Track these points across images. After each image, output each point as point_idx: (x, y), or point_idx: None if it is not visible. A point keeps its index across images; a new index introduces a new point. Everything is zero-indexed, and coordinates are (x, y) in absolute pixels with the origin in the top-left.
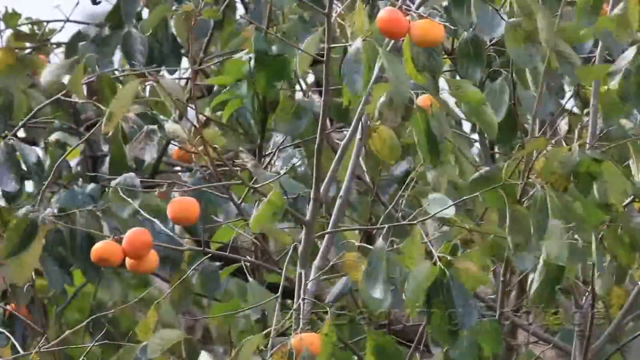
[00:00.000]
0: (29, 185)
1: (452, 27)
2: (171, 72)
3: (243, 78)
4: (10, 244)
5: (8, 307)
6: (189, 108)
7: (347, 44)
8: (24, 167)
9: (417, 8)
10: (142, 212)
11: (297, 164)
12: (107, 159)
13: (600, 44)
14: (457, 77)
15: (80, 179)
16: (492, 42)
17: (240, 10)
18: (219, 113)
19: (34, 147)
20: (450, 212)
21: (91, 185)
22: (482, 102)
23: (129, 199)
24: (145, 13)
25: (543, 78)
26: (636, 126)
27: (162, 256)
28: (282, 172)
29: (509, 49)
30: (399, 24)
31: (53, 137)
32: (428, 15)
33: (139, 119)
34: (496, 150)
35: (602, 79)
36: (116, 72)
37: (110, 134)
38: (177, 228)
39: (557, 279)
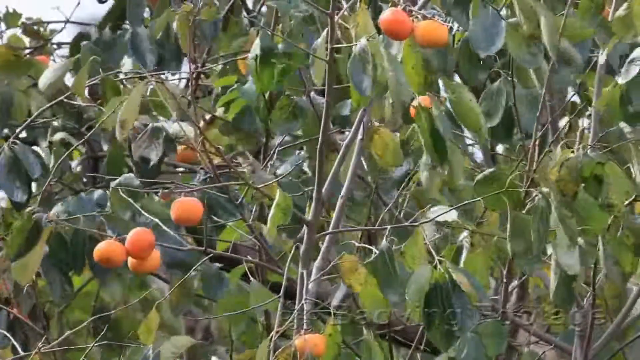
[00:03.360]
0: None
1: (452, 28)
2: (172, 74)
3: (249, 76)
4: (15, 245)
5: (8, 309)
6: (188, 110)
7: (351, 45)
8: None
9: (420, 9)
10: (144, 213)
11: (299, 166)
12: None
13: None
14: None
15: (84, 180)
16: None
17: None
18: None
19: (37, 150)
20: (452, 215)
21: (98, 192)
22: (476, 110)
23: (130, 200)
24: (146, 13)
25: (548, 77)
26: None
27: (172, 262)
28: (282, 175)
29: (511, 49)
30: (403, 25)
31: (57, 137)
32: (432, 17)
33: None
34: (497, 151)
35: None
36: (120, 75)
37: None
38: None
39: (571, 279)
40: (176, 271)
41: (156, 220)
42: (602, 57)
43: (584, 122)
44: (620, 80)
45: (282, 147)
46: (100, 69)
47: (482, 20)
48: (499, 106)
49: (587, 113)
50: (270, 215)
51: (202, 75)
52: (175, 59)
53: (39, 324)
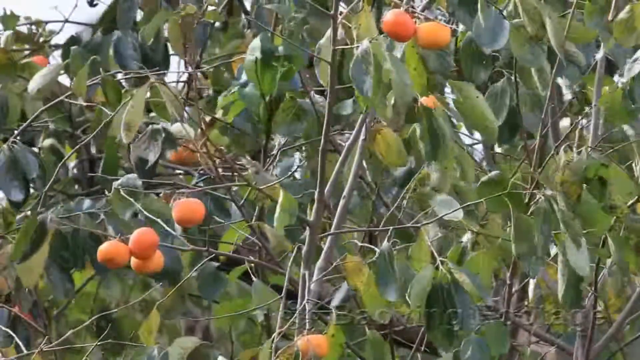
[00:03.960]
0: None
1: (456, 30)
2: (164, 76)
3: (250, 79)
4: (20, 247)
5: (10, 308)
6: (185, 111)
7: (353, 46)
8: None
9: (423, 10)
10: (145, 212)
11: (299, 168)
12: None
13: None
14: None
15: (77, 184)
16: None
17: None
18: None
19: (34, 150)
20: (459, 214)
21: (87, 202)
22: (483, 107)
23: (131, 199)
24: (138, 16)
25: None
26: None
27: (162, 270)
28: (283, 177)
29: (514, 49)
30: (405, 27)
31: (46, 143)
32: (435, 18)
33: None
34: (497, 150)
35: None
36: (119, 75)
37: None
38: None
39: (579, 280)
40: (165, 280)
41: (158, 220)
42: (600, 54)
43: (582, 123)
44: (624, 75)
45: (284, 149)
46: (101, 70)
47: (485, 19)
48: (503, 106)
49: (587, 113)
50: (275, 216)
51: (200, 76)
52: (164, 62)
53: (40, 322)
